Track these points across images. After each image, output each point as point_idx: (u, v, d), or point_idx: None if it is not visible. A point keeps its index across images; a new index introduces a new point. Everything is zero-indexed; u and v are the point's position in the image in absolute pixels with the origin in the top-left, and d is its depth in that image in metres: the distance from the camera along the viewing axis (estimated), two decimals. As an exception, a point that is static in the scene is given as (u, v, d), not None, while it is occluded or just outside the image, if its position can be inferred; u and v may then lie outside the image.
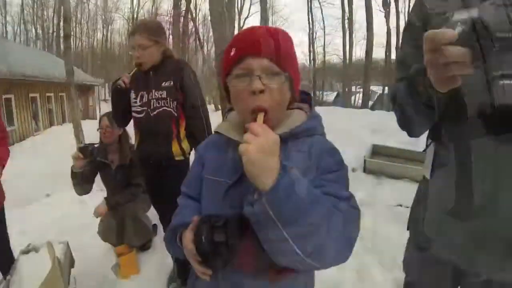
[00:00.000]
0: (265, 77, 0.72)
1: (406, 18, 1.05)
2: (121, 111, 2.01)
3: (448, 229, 0.84)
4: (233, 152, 0.75)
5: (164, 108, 1.90)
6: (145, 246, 2.65)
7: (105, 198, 2.48)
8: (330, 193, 0.67)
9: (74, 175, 2.30)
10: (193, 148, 2.00)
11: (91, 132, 3.16)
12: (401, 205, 2.78)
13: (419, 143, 4.79)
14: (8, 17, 28.63)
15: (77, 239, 2.81)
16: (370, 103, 18.45)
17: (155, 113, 1.90)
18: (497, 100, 0.54)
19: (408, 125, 0.93)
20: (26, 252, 1.93)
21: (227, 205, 0.75)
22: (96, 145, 2.41)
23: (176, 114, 1.92)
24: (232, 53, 0.76)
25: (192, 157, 1.95)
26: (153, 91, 1.90)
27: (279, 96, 0.74)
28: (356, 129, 5.49)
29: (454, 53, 0.53)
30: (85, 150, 2.26)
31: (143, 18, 26.96)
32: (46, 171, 5.74)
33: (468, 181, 0.65)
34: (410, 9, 0.98)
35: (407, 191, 3.04)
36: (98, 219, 2.54)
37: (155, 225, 2.82)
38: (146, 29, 1.86)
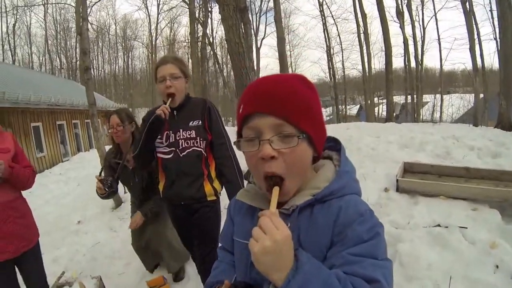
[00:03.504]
0: (276, 141, 0.64)
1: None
2: (149, 147, 1.84)
3: None
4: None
5: (194, 148, 1.83)
6: (178, 277, 2.60)
7: (139, 210, 2.42)
8: (356, 273, 0.59)
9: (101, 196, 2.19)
10: (224, 187, 1.94)
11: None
12: (439, 225, 2.59)
13: (449, 156, 4.57)
14: (34, 48, 30.39)
15: (109, 267, 2.81)
16: (395, 114, 18.06)
17: (184, 153, 1.82)
18: None
19: None
20: (60, 286, 1.91)
21: (255, 270, 0.69)
22: (110, 179, 2.16)
23: (205, 154, 1.85)
24: (240, 110, 0.68)
25: (223, 195, 1.91)
26: (181, 130, 1.83)
27: (295, 160, 0.65)
28: (384, 145, 5.31)
29: None
30: (104, 183, 2.12)
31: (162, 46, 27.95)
32: (76, 197, 5.86)
33: None
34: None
35: (444, 209, 2.86)
36: (129, 246, 2.54)
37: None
38: (177, 60, 1.85)
